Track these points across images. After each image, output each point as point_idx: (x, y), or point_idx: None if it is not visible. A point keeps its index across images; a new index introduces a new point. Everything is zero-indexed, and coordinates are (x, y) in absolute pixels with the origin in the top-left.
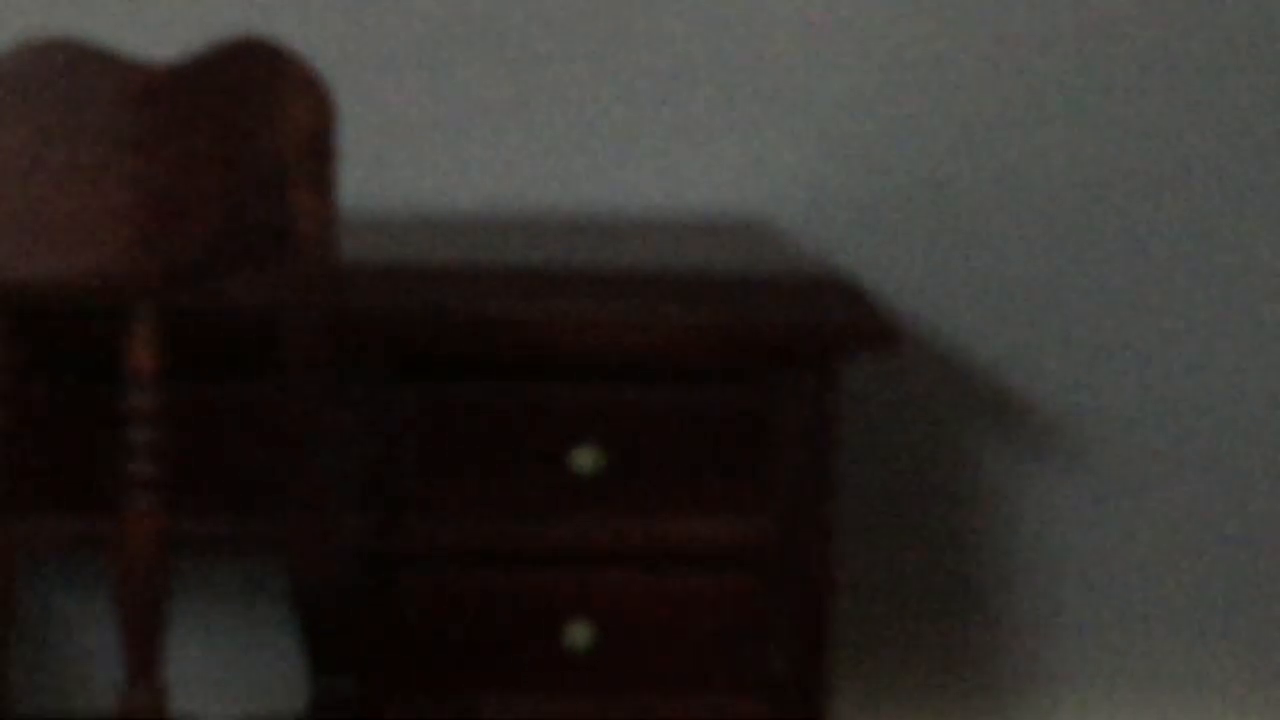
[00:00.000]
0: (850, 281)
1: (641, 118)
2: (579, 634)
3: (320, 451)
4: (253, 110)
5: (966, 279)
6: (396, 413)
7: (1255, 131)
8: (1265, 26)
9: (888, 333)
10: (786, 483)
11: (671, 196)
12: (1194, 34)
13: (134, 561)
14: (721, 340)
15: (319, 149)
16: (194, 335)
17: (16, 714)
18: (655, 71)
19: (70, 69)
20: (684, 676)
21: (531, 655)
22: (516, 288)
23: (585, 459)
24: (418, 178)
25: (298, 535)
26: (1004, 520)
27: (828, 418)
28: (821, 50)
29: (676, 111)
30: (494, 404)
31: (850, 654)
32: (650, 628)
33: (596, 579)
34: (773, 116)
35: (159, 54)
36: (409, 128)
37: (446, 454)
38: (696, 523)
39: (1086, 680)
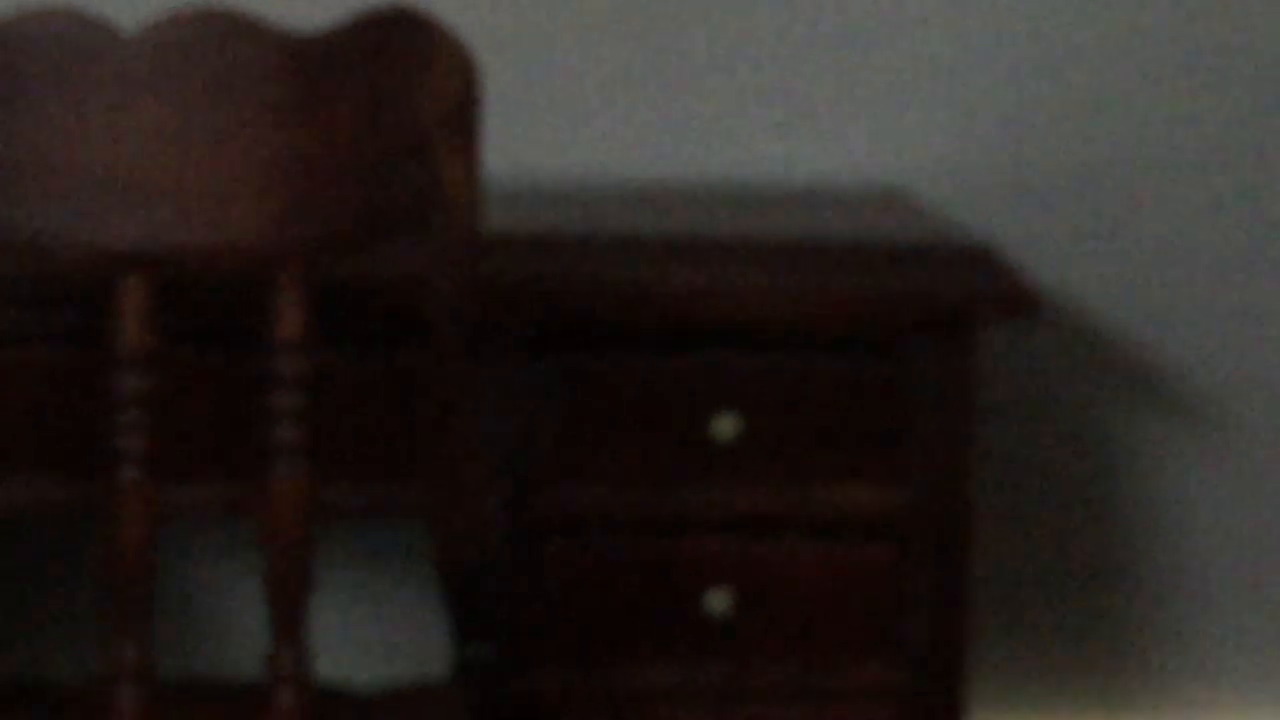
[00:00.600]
0: (990, 250)
1: (785, 88)
2: (718, 601)
3: (463, 420)
4: (399, 79)
5: (1106, 249)
6: (538, 381)
7: None
8: None
9: (1027, 301)
10: (925, 451)
11: (813, 166)
12: None
13: (279, 526)
14: (862, 308)
15: (464, 118)
16: (340, 303)
17: (163, 678)
18: (797, 42)
19: (220, 38)
20: (822, 645)
21: (671, 623)
22: (657, 257)
23: (725, 427)
24: (561, 149)
25: (440, 503)
26: (1143, 490)
27: (966, 386)
28: (963, 20)
29: (819, 82)
30: (635, 372)
31: (988, 624)
32: (789, 596)
33: (736, 547)
34: (915, 86)
35: (306, 22)
36: (552, 99)
37: (588, 422)
38: (836, 491)
39: (1227, 650)
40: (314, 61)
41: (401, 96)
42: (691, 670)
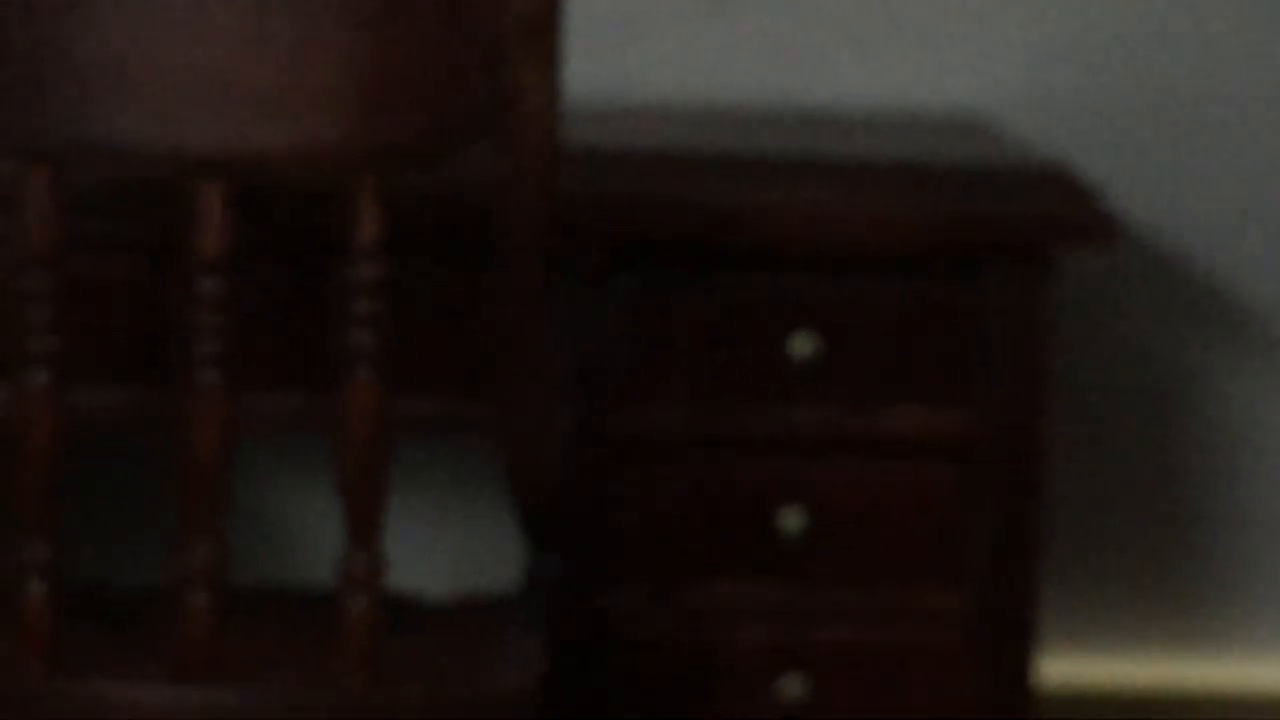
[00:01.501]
0: (1069, 176)
1: (866, 13)
2: (791, 520)
3: (537, 336)
4: None
5: (1186, 178)
6: (615, 299)
7: None
8: None
9: (1105, 226)
10: (1000, 377)
11: (895, 92)
12: None
13: (354, 430)
14: (940, 232)
15: (544, 28)
16: (415, 212)
17: (239, 585)
18: None
19: None
20: (891, 566)
21: (743, 540)
22: (736, 177)
23: (801, 347)
24: (642, 67)
25: (513, 419)
26: (1216, 421)
27: (1043, 312)
28: None
29: (901, 7)
30: (713, 292)
31: (1056, 551)
32: (860, 516)
33: (810, 466)
34: (996, 14)
35: None
36: (637, 17)
37: (663, 340)
38: (911, 413)
39: None
40: None
41: (481, 4)
42: (761, 589)
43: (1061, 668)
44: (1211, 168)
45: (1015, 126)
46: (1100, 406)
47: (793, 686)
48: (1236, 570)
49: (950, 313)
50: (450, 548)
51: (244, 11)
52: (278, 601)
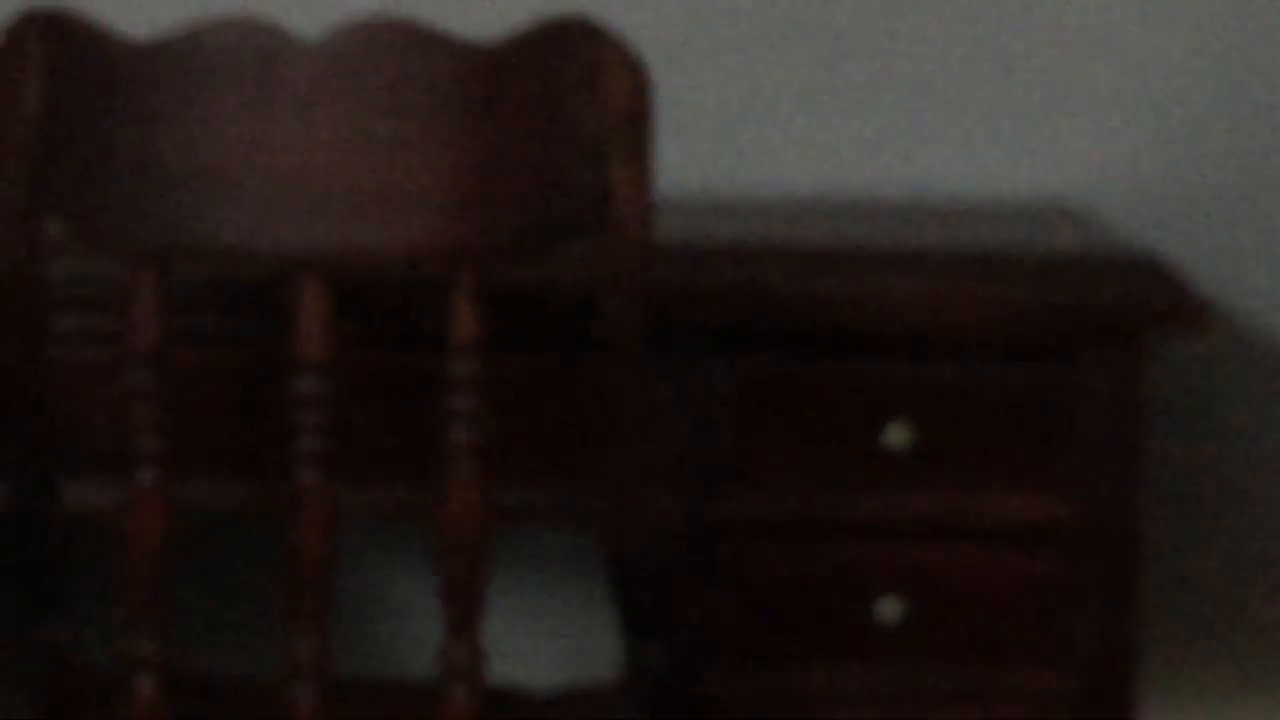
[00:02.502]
0: (1159, 262)
1: (956, 103)
2: (889, 607)
3: (635, 425)
4: (573, 86)
5: (1272, 261)
6: (712, 388)
7: None
8: None
9: (1198, 313)
10: (1095, 461)
11: (986, 181)
12: None
13: (455, 525)
14: (1033, 318)
15: (636, 125)
16: (513, 307)
17: (339, 676)
18: (969, 59)
19: (398, 47)
20: (993, 650)
21: (842, 627)
22: (830, 266)
23: (897, 435)
24: (734, 161)
25: (612, 507)
26: None
27: (1136, 396)
28: (1135, 39)
29: (990, 98)
30: (807, 379)
31: (1156, 632)
32: (959, 602)
33: (907, 553)
34: (1084, 105)
35: (479, 30)
36: (725, 112)
37: (759, 428)
38: (1006, 499)
39: None
40: (489, 69)
41: (574, 104)
42: (862, 675)
43: None
44: None
45: (1104, 214)
46: (1193, 487)
47: None
48: None
49: (1045, 399)
50: (552, 637)
51: (345, 114)
52: (381, 692)
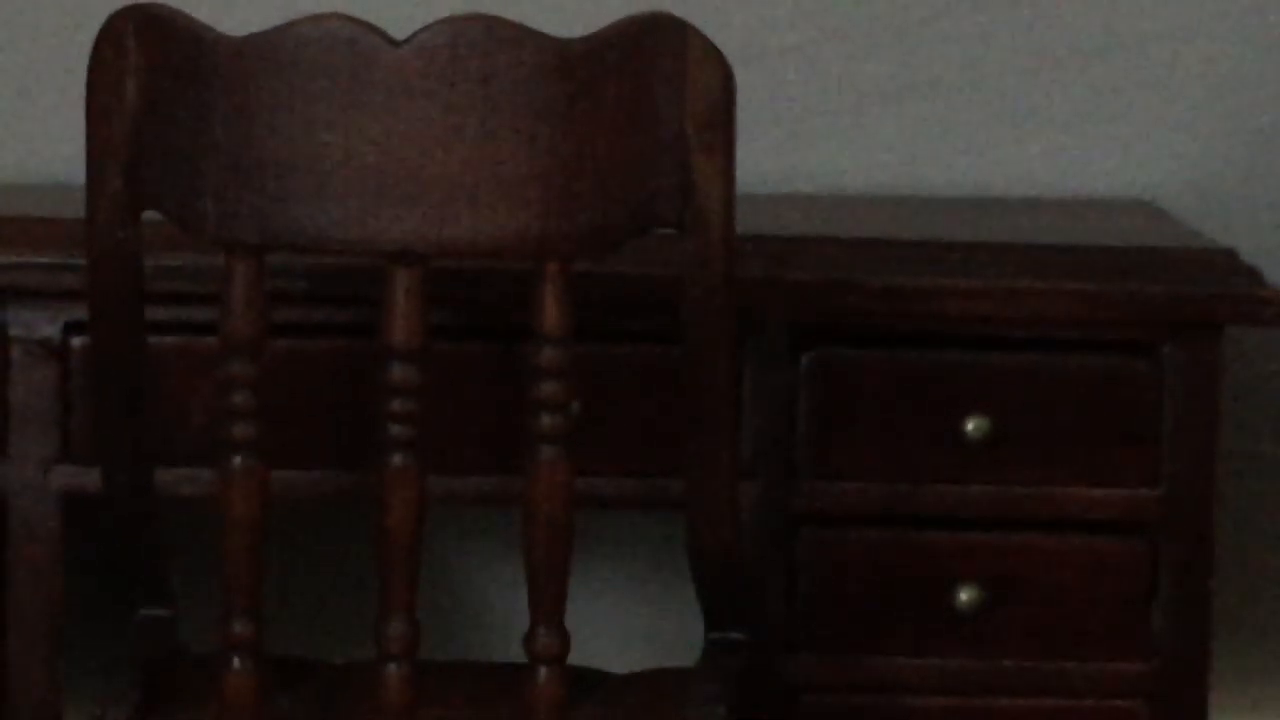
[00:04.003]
0: (1235, 256)
1: (1034, 102)
2: (968, 596)
3: (719, 415)
4: (658, 82)
5: None
6: (795, 379)
7: None
8: None
9: (1272, 305)
10: (1172, 452)
11: (1067, 178)
12: None
13: (541, 510)
14: (1112, 310)
15: (719, 120)
16: (600, 297)
17: (433, 659)
18: (1054, 61)
19: (487, 43)
20: (1070, 639)
21: (922, 616)
22: (912, 259)
23: (976, 426)
24: (819, 156)
25: (696, 495)
26: None
27: (1214, 389)
28: (1212, 40)
29: (1073, 98)
30: (888, 371)
31: (1228, 618)
32: (1038, 591)
33: (986, 543)
34: (1164, 103)
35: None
36: (810, 108)
37: (840, 419)
38: (1084, 490)
39: None
40: (576, 65)
41: (659, 99)
42: (941, 663)
43: None
44: None
45: (1182, 210)
46: (1266, 479)
47: None
48: None
49: (1123, 391)
50: (637, 623)
51: (434, 107)
52: (469, 674)
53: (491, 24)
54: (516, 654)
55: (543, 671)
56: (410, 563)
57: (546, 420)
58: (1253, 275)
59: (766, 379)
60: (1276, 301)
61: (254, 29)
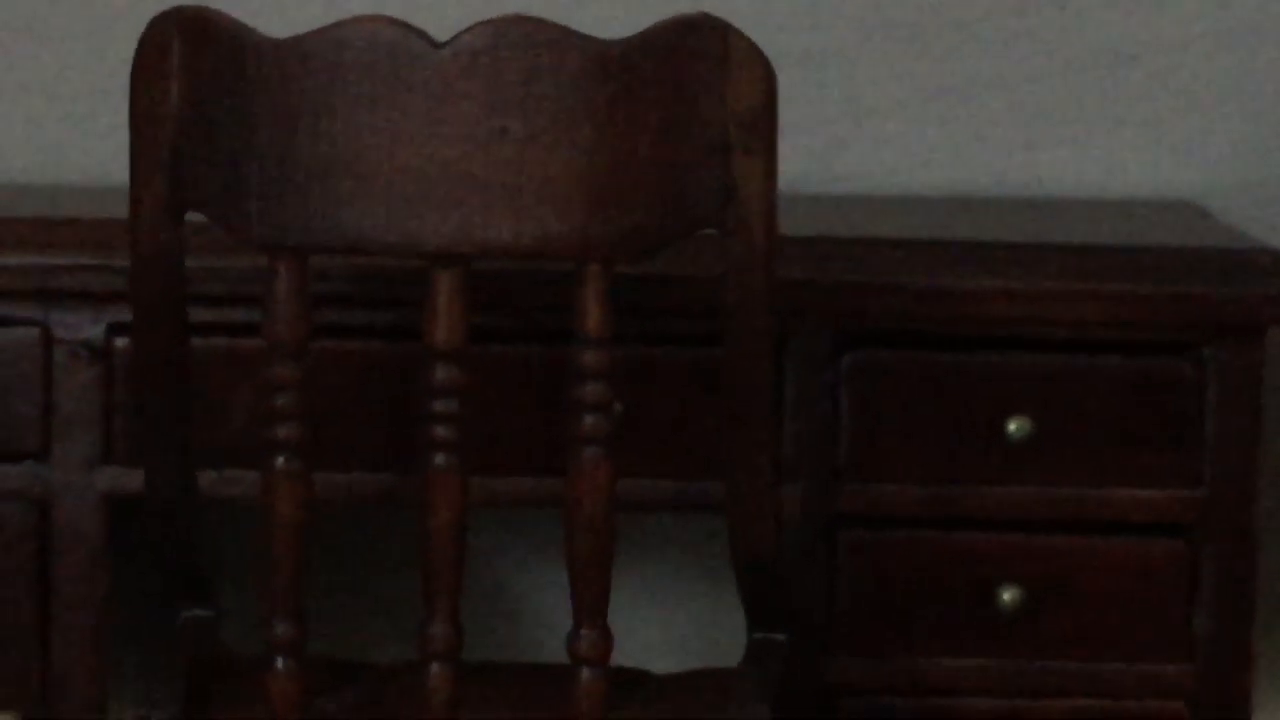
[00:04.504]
0: (1279, 258)
1: (1077, 104)
2: (1010, 596)
3: (760, 416)
4: (699, 83)
5: None
6: (834, 379)
7: None
8: None
9: None
10: (1214, 454)
11: (1111, 180)
12: None
13: (582, 511)
14: (1152, 312)
15: (761, 122)
16: (641, 299)
17: (476, 659)
18: (1101, 68)
19: (529, 45)
20: (1111, 639)
21: (962, 617)
22: (956, 261)
23: (1019, 426)
24: (861, 158)
25: (737, 496)
26: None
27: (1257, 391)
28: (1253, 49)
29: (1119, 102)
30: (930, 372)
31: (1271, 619)
32: (1079, 591)
33: (1028, 544)
34: (1204, 106)
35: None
36: (851, 110)
37: (882, 420)
38: (1125, 491)
39: None
40: (617, 66)
41: (701, 100)
42: (983, 662)
43: None
44: None
45: (1224, 212)
46: None
47: None
48: None
49: (1166, 392)
50: (681, 623)
51: (477, 111)
52: (511, 675)
53: (533, 26)
54: (558, 654)
55: (585, 672)
56: (453, 563)
57: (588, 421)
58: None
59: (808, 381)
60: None
61: (297, 31)
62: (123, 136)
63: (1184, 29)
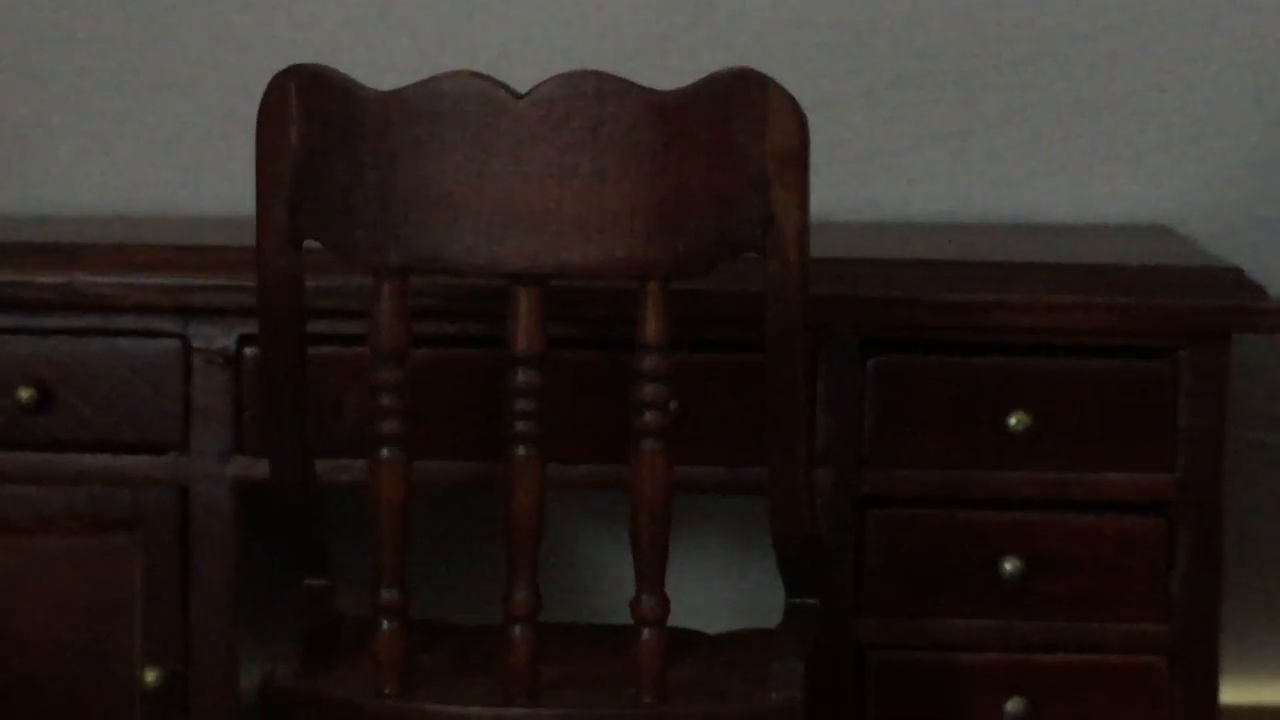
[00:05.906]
0: (1240, 274)
1: (1068, 142)
2: (1011, 566)
3: (797, 412)
4: (743, 127)
5: None
6: (863, 381)
7: None
8: None
9: (1273, 317)
10: (1186, 443)
11: (1092, 206)
12: None
13: (643, 494)
14: (1133, 321)
15: (796, 161)
16: (694, 311)
17: (553, 622)
18: (1076, 107)
19: (596, 95)
20: (1098, 603)
21: (971, 584)
22: (961, 278)
23: (1018, 421)
24: (882, 189)
25: (776, 481)
26: None
27: (1222, 387)
28: (1220, 84)
29: (1096, 138)
30: (942, 374)
31: (1236, 583)
32: (1071, 563)
33: (1026, 521)
34: (1173, 142)
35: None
36: (874, 148)
37: (902, 416)
38: (1111, 475)
39: None
40: (672, 113)
41: (743, 142)
42: (988, 623)
43: (1238, 692)
44: None
45: (1193, 236)
46: (1268, 463)
47: (1017, 705)
48: None
49: (1145, 391)
50: (727, 590)
51: (552, 153)
52: (583, 635)
53: (600, 79)
54: (622, 616)
55: (646, 632)
56: (533, 538)
57: (648, 417)
58: (1256, 290)
59: (838, 382)
60: (1277, 313)
61: (398, 84)
62: (250, 175)
63: (1158, 78)
